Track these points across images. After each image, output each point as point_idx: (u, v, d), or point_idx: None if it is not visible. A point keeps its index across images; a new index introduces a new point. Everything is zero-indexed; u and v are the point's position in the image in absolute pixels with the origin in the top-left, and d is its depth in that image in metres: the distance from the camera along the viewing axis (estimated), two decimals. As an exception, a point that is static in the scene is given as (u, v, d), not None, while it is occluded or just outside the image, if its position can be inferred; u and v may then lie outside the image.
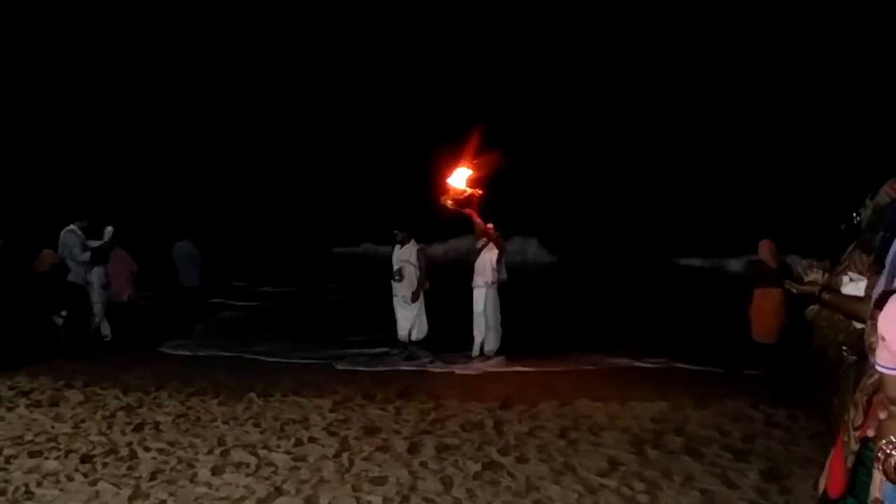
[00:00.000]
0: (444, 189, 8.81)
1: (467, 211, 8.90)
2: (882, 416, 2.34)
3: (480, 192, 8.89)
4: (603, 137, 26.34)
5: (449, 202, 8.78)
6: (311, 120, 30.10)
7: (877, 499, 2.38)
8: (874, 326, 2.45)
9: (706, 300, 13.79)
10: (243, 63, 29.64)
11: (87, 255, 9.10)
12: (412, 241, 9.47)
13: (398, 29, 29.28)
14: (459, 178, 8.81)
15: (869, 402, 2.64)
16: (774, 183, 22.67)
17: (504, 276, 9.28)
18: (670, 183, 24.47)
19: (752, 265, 8.45)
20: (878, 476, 2.38)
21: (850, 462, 2.70)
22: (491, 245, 9.12)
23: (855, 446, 2.67)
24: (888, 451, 2.23)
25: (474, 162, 8.82)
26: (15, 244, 8.81)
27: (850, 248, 3.32)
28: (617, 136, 26.39)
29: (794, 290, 3.25)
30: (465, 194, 8.81)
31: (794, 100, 24.05)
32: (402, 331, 9.52)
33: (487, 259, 9.12)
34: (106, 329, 9.75)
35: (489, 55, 28.14)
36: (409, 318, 9.44)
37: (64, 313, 8.74)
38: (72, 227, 9.09)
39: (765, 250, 8.17)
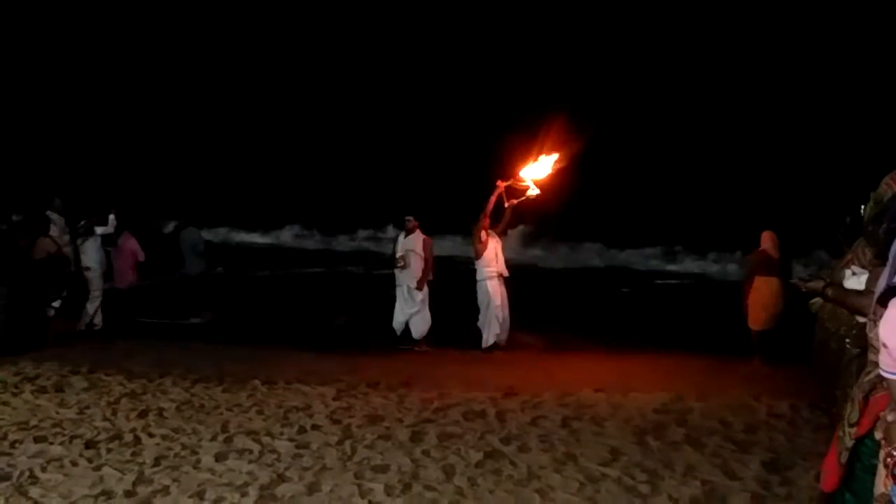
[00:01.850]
0: (520, 181, 8.86)
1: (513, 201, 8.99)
2: (890, 418, 2.33)
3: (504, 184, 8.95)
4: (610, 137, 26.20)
5: (536, 192, 8.87)
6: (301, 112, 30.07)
7: (883, 493, 2.37)
8: (875, 322, 2.44)
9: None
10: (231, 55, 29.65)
11: (66, 238, 9.17)
12: (418, 231, 9.44)
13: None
14: (542, 167, 8.85)
15: (866, 399, 2.63)
16: (778, 178, 22.56)
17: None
18: (672, 178, 24.37)
19: (754, 254, 8.48)
20: (882, 472, 2.38)
21: (843, 458, 2.69)
22: (497, 237, 9.13)
23: (850, 442, 2.66)
24: None
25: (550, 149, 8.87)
26: (18, 231, 8.86)
27: (856, 243, 3.30)
28: (619, 135, 26.24)
29: (803, 289, 3.23)
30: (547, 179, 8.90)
31: (798, 94, 23.90)
32: (398, 324, 9.48)
33: (499, 250, 9.10)
34: (98, 318, 9.79)
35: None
36: (407, 313, 9.40)
37: (57, 304, 8.77)
38: (47, 214, 9.16)
39: (767, 240, 8.24)
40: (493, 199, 8.98)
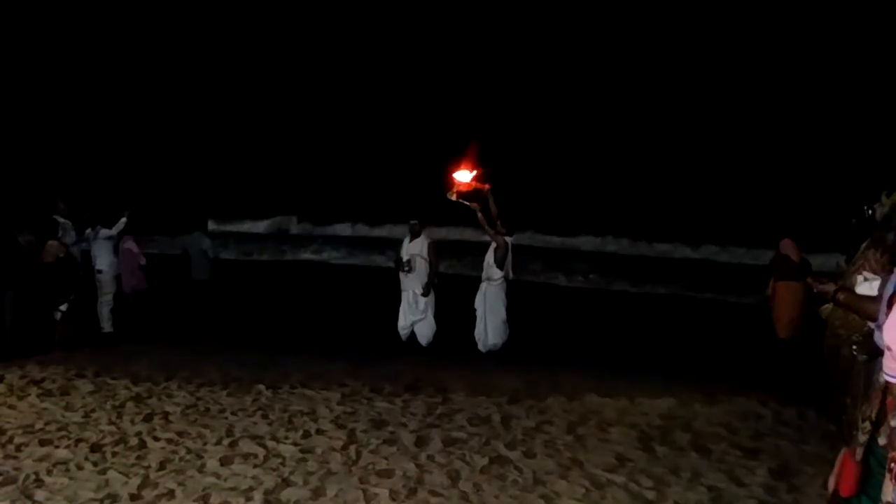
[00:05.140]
0: (449, 182, 8.79)
1: (473, 205, 8.88)
2: (893, 423, 2.32)
3: (489, 186, 8.86)
4: (610, 136, 26.20)
5: (454, 196, 8.76)
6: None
7: (890, 503, 2.37)
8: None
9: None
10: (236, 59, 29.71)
11: (72, 237, 9.26)
12: (423, 235, 9.43)
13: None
14: (465, 174, 8.79)
15: (884, 397, 2.62)
16: (780, 178, 22.53)
17: (510, 274, 9.23)
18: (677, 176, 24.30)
19: (776, 258, 8.49)
20: (888, 478, 2.37)
21: (858, 455, 2.69)
22: (495, 240, 9.10)
23: (863, 438, 2.66)
24: None
25: (475, 161, 8.81)
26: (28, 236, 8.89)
27: (864, 245, 3.29)
28: (626, 134, 26.23)
29: (815, 290, 3.22)
30: (472, 188, 8.79)
31: (800, 95, 23.86)
32: (403, 329, 9.46)
33: (489, 256, 9.11)
34: (108, 322, 9.84)
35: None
36: (412, 319, 9.37)
37: (63, 307, 8.80)
38: (54, 218, 9.24)
39: (788, 246, 8.28)
40: (490, 203, 8.99)
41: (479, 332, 9.14)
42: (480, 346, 9.14)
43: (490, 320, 9.08)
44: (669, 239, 22.26)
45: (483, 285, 9.12)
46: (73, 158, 23.15)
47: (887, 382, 2.45)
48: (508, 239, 9.07)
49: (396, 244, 9.81)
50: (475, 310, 9.17)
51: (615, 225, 23.35)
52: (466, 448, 5.35)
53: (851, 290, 3.11)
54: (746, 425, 5.97)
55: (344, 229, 26.62)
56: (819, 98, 23.29)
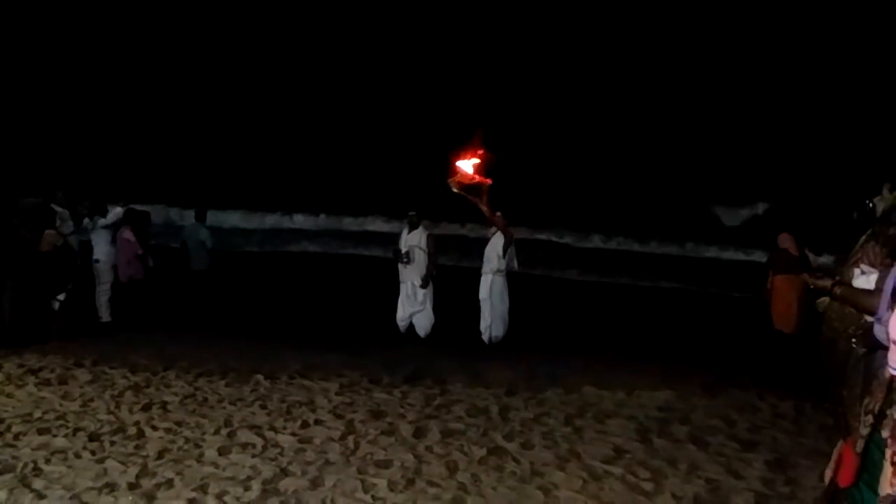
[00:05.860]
0: (451, 172, 8.77)
1: (473, 199, 8.87)
2: None
3: (489, 181, 8.84)
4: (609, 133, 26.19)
5: (455, 186, 8.74)
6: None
7: (889, 494, 2.37)
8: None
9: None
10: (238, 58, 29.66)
11: (70, 227, 9.27)
12: (421, 226, 9.42)
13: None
14: (468, 165, 8.76)
15: (889, 390, 2.63)
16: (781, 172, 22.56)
17: (514, 265, 9.23)
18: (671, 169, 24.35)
19: (775, 253, 8.49)
20: (888, 470, 2.37)
21: (859, 447, 2.70)
22: (499, 233, 9.09)
23: (865, 430, 2.66)
24: None
25: (481, 152, 8.77)
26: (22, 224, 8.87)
27: (863, 238, 3.28)
28: (622, 130, 26.22)
29: (812, 286, 3.22)
30: (474, 181, 8.77)
31: (800, 94, 23.88)
32: (402, 321, 9.46)
33: (493, 247, 9.11)
34: (106, 312, 9.83)
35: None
36: (410, 311, 9.38)
37: (61, 297, 8.79)
38: (52, 206, 9.25)
39: (786, 240, 8.28)
40: (484, 197, 8.96)
41: (485, 325, 9.14)
42: (485, 338, 9.15)
43: (499, 312, 9.09)
44: (671, 238, 22.31)
45: (488, 277, 9.11)
46: (72, 149, 23.11)
47: (892, 376, 2.45)
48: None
49: (394, 236, 9.82)
50: (480, 302, 9.17)
51: (616, 224, 23.40)
52: (464, 439, 5.36)
53: (849, 284, 3.11)
54: (744, 418, 5.99)
55: (343, 222, 26.66)
56: (820, 95, 23.28)
